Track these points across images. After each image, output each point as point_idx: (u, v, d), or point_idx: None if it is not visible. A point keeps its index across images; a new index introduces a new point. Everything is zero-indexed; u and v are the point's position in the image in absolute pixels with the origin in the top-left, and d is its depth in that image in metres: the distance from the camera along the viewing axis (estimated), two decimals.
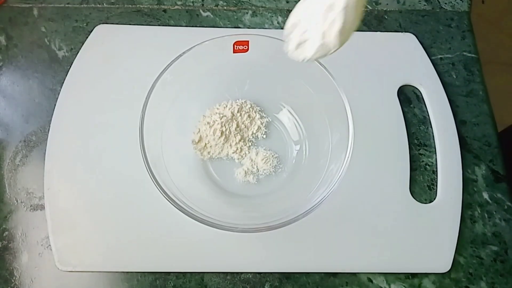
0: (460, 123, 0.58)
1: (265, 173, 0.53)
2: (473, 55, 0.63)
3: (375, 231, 0.51)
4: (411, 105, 0.59)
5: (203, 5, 0.65)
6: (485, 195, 0.55)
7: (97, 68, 0.59)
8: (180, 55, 0.48)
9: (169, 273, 0.49)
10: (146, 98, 0.46)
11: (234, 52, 0.50)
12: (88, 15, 0.63)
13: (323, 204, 0.43)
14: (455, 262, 0.51)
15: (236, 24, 0.64)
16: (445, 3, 0.67)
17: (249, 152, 0.54)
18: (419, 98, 0.59)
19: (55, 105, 0.56)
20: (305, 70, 0.49)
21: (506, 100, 0.69)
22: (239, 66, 0.52)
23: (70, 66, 0.58)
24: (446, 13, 0.66)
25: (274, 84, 0.54)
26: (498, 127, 0.60)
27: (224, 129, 0.53)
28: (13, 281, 0.48)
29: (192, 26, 0.63)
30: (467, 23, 0.65)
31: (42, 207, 0.51)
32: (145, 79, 0.47)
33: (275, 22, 0.64)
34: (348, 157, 0.44)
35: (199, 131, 0.54)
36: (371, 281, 0.50)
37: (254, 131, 0.55)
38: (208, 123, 0.53)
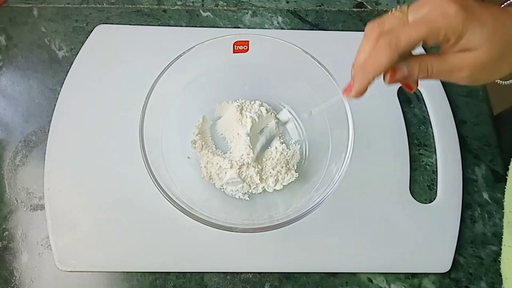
0: (460, 123, 0.58)
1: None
2: None
3: (375, 231, 0.51)
4: (411, 105, 0.59)
5: (203, 5, 0.65)
6: (485, 195, 0.55)
7: (97, 68, 0.59)
8: (180, 55, 0.48)
9: (169, 273, 0.49)
10: (146, 98, 0.46)
11: (234, 52, 0.50)
12: (88, 15, 0.63)
13: (323, 204, 0.43)
14: (455, 262, 0.51)
15: (236, 24, 0.64)
16: None
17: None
18: (419, 98, 0.59)
19: (55, 105, 0.56)
20: (305, 70, 0.49)
21: (506, 99, 0.68)
22: (239, 66, 0.52)
23: (70, 66, 0.58)
24: None
25: (274, 84, 0.54)
26: None
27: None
28: (13, 281, 0.48)
29: (192, 26, 0.63)
30: None
31: (42, 207, 0.51)
32: (145, 79, 0.47)
33: (275, 22, 0.64)
34: (348, 157, 0.44)
35: (199, 131, 0.54)
36: (371, 281, 0.50)
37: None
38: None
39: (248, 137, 0.51)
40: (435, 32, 0.32)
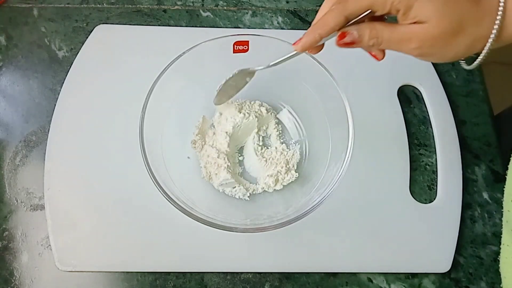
0: (460, 123, 0.58)
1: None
2: (473, 55, 0.63)
3: (375, 231, 0.51)
4: (411, 105, 0.59)
5: (203, 5, 0.65)
6: (485, 195, 0.54)
7: (97, 68, 0.59)
8: (180, 55, 0.48)
9: (169, 273, 0.49)
10: (146, 98, 0.46)
11: (234, 52, 0.50)
12: (88, 15, 0.63)
13: (323, 204, 0.43)
14: (455, 262, 0.51)
15: (236, 24, 0.64)
16: None
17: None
18: (419, 98, 0.59)
19: (55, 105, 0.56)
20: (305, 70, 0.49)
21: (506, 99, 0.69)
22: (239, 66, 0.52)
23: (70, 66, 0.58)
24: None
25: (274, 84, 0.54)
26: None
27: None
28: (13, 281, 0.48)
29: (192, 26, 0.63)
30: None
31: (42, 207, 0.51)
32: (145, 79, 0.47)
33: (275, 22, 0.64)
34: (348, 157, 0.44)
35: (199, 131, 0.54)
36: (371, 281, 0.50)
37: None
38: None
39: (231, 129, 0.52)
40: (382, 1, 0.33)
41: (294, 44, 0.39)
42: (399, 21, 0.35)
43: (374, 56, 0.39)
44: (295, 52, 0.40)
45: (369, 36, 0.36)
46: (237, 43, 0.49)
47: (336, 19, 0.35)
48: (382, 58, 0.39)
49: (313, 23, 0.38)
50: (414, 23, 0.34)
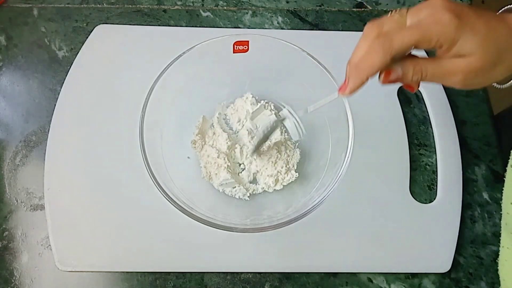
0: (460, 123, 0.58)
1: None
2: None
3: (375, 231, 0.51)
4: (411, 105, 0.59)
5: (203, 5, 0.65)
6: (485, 195, 0.55)
7: (97, 68, 0.59)
8: (180, 55, 0.48)
9: (169, 273, 0.49)
10: (146, 98, 0.46)
11: (234, 52, 0.50)
12: (88, 15, 0.63)
13: (323, 204, 0.43)
14: (455, 262, 0.51)
15: (236, 24, 0.64)
16: None
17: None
18: (419, 98, 0.59)
19: (55, 105, 0.56)
20: (305, 70, 0.49)
21: (506, 99, 0.69)
22: (239, 66, 0.52)
23: (70, 66, 0.58)
24: None
25: (274, 84, 0.54)
26: None
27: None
28: (13, 281, 0.48)
29: (192, 26, 0.63)
30: None
31: (42, 207, 0.51)
32: (145, 79, 0.47)
33: (275, 22, 0.64)
34: (348, 157, 0.44)
35: (199, 131, 0.54)
36: (371, 281, 0.50)
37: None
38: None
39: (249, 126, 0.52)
40: (427, 39, 0.33)
41: (340, 90, 0.38)
42: (439, 54, 0.35)
43: (409, 88, 0.40)
44: (338, 96, 0.41)
45: (413, 72, 0.36)
46: (237, 43, 0.49)
47: (382, 59, 0.34)
48: (417, 89, 0.40)
49: (352, 62, 0.37)
50: (457, 56, 0.34)
